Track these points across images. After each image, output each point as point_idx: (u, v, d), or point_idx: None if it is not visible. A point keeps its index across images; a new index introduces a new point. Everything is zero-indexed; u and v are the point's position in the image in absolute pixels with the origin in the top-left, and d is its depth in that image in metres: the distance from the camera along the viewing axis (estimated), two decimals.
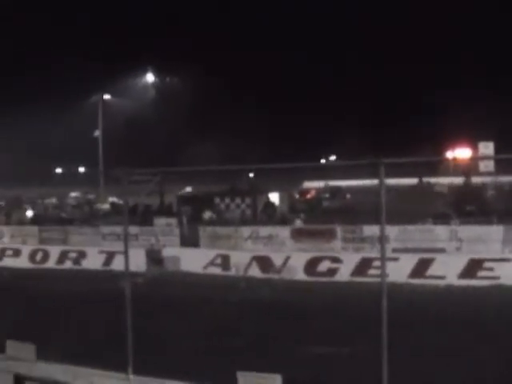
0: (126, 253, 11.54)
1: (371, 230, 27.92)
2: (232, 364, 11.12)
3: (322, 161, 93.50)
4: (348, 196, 76.53)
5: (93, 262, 31.80)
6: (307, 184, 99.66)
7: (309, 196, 73.43)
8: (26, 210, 55.34)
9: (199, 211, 41.72)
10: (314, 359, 14.27)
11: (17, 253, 34.75)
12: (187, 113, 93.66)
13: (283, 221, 35.34)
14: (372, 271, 25.31)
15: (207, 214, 41.33)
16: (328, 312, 19.08)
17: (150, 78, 79.74)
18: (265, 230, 31.08)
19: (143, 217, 38.29)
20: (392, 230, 26.86)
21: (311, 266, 27.31)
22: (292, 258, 27.85)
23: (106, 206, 64.15)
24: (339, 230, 29.26)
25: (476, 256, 25.65)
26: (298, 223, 32.82)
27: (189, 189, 70.89)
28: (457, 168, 67.11)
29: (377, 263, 25.16)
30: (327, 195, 77.55)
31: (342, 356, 14.33)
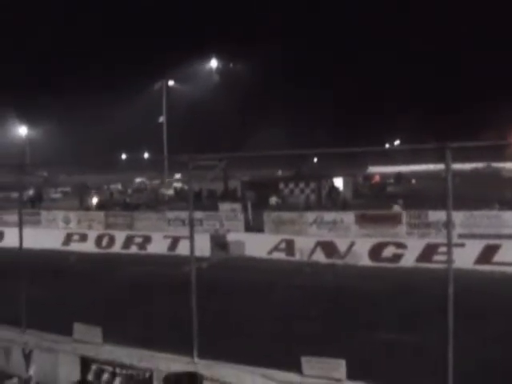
0: (191, 238, 11.59)
1: (437, 216, 27.61)
2: (296, 349, 11.12)
3: (387, 146, 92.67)
4: (413, 181, 75.83)
5: (158, 246, 32.05)
6: (372, 169, 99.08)
7: (373, 181, 73.01)
8: (92, 195, 56.20)
9: (264, 196, 41.83)
10: (379, 345, 14.16)
11: (83, 238, 35.32)
12: (251, 98, 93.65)
13: (346, 206, 35.15)
14: (437, 257, 25.00)
15: (272, 200, 41.41)
16: (393, 298, 18.89)
17: (213, 63, 79.78)
18: (329, 215, 30.95)
19: (208, 202, 38.47)
20: (458, 216, 26.50)
21: (376, 252, 27.08)
22: (356, 244, 27.64)
23: (171, 192, 64.67)
24: (404, 215, 28.97)
25: None
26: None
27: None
28: None
29: (442, 249, 24.86)
30: (392, 180, 77.04)
31: (406, 343, 14.18)
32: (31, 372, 12.72)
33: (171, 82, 77.83)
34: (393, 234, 28.51)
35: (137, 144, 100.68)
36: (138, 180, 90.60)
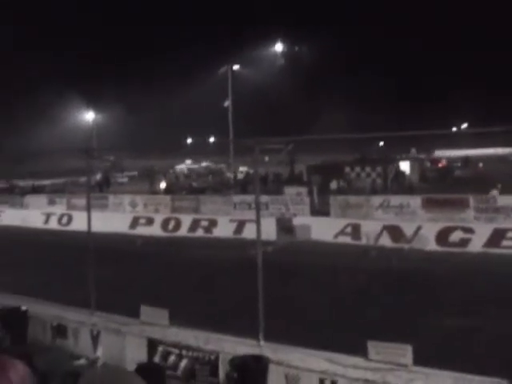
0: (257, 221, 11.59)
1: (505, 200, 27.11)
2: (362, 333, 11.04)
3: (454, 129, 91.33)
4: (480, 165, 74.56)
5: (224, 230, 32.16)
6: (438, 153, 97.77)
7: (440, 165, 71.99)
8: (159, 179, 56.73)
9: (329, 180, 41.64)
10: (445, 330, 13.98)
11: (150, 221, 35.66)
12: (316, 82, 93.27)
13: (412, 190, 34.73)
14: (506, 242, 24.60)
15: (333, 184, 41.18)
16: (460, 283, 18.64)
17: (278, 47, 79.53)
18: (396, 199, 30.65)
19: (273, 186, 38.47)
20: None
21: (443, 236, 26.71)
22: (423, 228, 27.32)
23: (237, 175, 64.82)
24: (471, 199, 28.48)
25: None
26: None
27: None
28: None
29: (511, 234, 24.46)
30: (459, 164, 75.94)
31: (472, 328, 13.97)
32: (99, 353, 12.90)
33: (236, 67, 77.99)
34: (460, 218, 28.05)
35: (202, 128, 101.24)
36: (204, 164, 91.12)
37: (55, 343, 14.32)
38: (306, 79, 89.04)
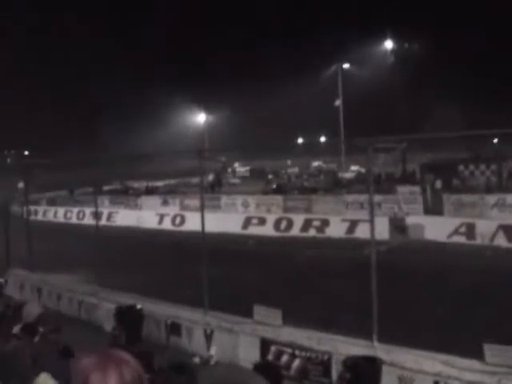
0: (371, 221, 11.49)
1: None
2: (477, 335, 10.77)
3: None
4: None
5: (336, 229, 31.99)
6: None
7: None
8: (270, 180, 57.04)
9: (443, 179, 40.92)
10: None
11: (262, 221, 35.84)
12: (427, 79, 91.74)
13: None
14: None
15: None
16: None
17: (388, 44, 78.67)
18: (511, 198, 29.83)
19: (386, 185, 38.07)
20: None
21: None
22: None
23: (349, 175, 64.56)
24: None
25: None
26: None
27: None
28: None
29: None
30: None
31: None
32: (212, 351, 13.05)
33: (346, 65, 77.61)
34: None
35: (313, 128, 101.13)
36: (315, 164, 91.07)
37: (169, 341, 14.57)
38: (417, 76, 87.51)
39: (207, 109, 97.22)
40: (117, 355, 2.20)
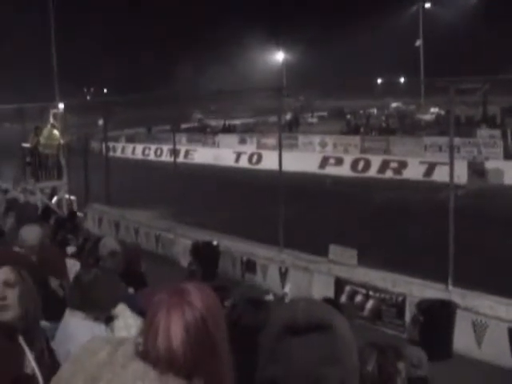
0: (451, 164, 11.35)
1: None
2: None
3: None
4: None
5: (413, 172, 31.64)
6: None
7: None
8: (348, 120, 56.57)
9: None
10: None
11: (339, 161, 35.71)
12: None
13: None
14: None
15: None
16: None
17: None
18: None
19: (466, 128, 37.33)
20: None
21: None
22: None
23: (428, 117, 63.49)
24: None
25: None
26: None
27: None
28: None
29: None
30: None
31: None
32: (286, 289, 13.17)
33: (427, 5, 75.96)
34: None
35: (393, 68, 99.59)
36: (394, 105, 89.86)
37: (244, 278, 14.77)
38: (501, 16, 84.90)
39: (286, 47, 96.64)
40: (188, 287, 2.13)
